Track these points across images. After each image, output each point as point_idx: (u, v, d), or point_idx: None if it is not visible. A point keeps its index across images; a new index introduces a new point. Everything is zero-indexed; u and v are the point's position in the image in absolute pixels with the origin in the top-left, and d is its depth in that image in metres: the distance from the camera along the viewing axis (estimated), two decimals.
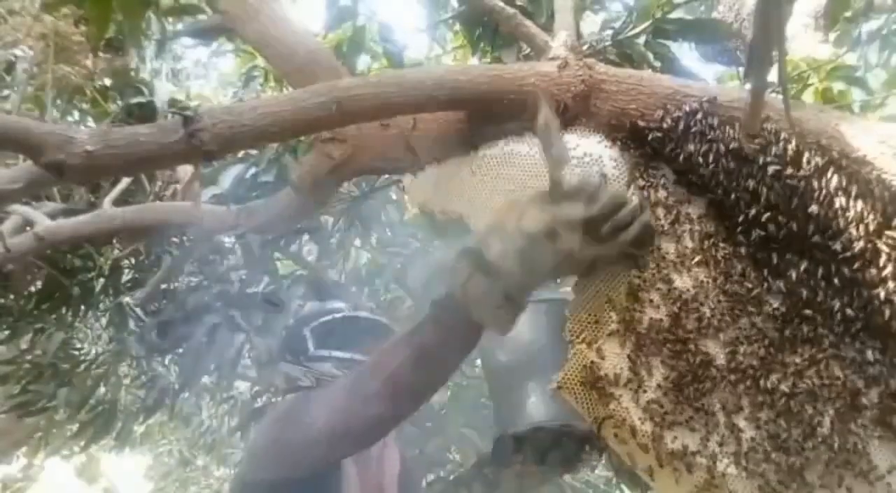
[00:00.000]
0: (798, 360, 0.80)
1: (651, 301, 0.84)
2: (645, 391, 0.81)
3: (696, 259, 0.85)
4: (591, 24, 2.01)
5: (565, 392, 0.83)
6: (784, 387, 0.79)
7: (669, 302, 0.84)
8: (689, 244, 0.87)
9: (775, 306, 0.83)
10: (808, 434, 0.77)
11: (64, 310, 2.56)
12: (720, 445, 0.79)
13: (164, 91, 2.35)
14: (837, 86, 1.95)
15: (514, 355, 1.05)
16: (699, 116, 0.88)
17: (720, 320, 0.82)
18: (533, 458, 1.08)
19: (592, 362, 0.83)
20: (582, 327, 0.85)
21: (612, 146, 0.94)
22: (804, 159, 0.82)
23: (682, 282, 0.84)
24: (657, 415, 0.80)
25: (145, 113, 2.29)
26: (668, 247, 0.87)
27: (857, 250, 0.78)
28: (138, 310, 2.59)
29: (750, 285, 0.84)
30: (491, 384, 1.13)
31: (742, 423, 0.79)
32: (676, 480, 0.79)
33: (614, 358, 0.83)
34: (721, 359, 0.81)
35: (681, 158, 0.89)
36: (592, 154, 0.92)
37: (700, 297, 0.83)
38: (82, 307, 2.60)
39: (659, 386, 0.81)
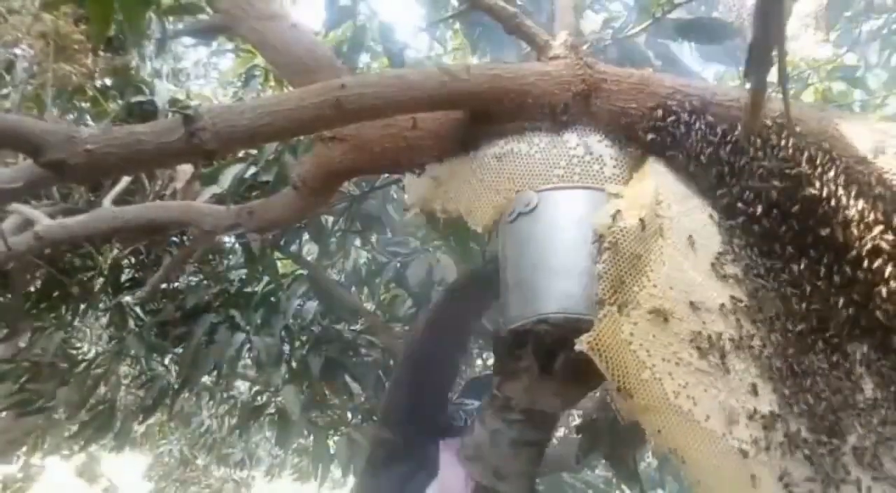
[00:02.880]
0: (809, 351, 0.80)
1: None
2: (678, 363, 0.75)
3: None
4: (592, 23, 2.01)
5: (595, 355, 0.76)
6: (799, 369, 0.78)
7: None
8: (693, 243, 0.86)
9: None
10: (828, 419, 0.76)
11: (63, 309, 2.55)
12: (751, 426, 0.74)
13: (164, 91, 2.35)
14: (837, 86, 1.96)
15: (527, 244, 0.87)
16: (699, 115, 0.89)
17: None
18: (538, 363, 0.87)
19: (623, 327, 0.76)
20: (614, 287, 0.78)
21: (612, 145, 0.94)
22: (804, 158, 0.82)
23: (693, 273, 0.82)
24: (692, 391, 0.74)
25: (146, 112, 2.28)
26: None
27: (857, 247, 0.79)
28: (138, 310, 2.59)
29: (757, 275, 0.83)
30: (501, 280, 0.91)
31: (768, 402, 0.76)
32: (708, 458, 0.73)
33: (646, 325, 0.76)
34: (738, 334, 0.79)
35: (681, 156, 0.89)
36: (593, 153, 0.92)
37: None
38: (82, 307, 2.60)
39: (690, 363, 0.76)
